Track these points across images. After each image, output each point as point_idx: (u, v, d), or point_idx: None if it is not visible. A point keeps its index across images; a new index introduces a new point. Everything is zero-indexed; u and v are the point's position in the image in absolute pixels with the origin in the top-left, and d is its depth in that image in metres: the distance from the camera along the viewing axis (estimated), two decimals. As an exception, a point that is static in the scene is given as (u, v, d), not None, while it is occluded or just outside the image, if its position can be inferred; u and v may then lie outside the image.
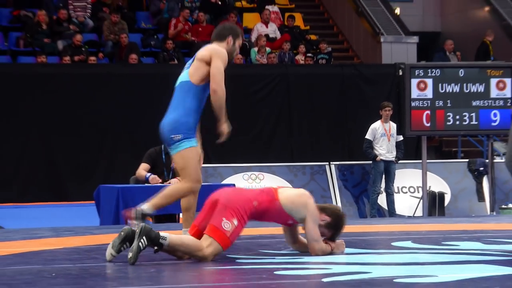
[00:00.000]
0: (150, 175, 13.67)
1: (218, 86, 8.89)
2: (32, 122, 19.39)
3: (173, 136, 8.93)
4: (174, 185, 9.24)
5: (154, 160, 13.89)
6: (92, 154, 19.31)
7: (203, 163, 17.08)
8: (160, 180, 13.74)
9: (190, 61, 9.06)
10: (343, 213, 8.48)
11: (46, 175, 19.54)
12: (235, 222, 7.90)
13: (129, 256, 7.69)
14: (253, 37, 22.96)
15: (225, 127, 9.35)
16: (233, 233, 7.91)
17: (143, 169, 13.75)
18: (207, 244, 7.84)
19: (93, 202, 13.93)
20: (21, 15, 22.15)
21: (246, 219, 7.99)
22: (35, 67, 20.72)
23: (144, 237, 7.62)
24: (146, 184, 13.69)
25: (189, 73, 9.01)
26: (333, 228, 8.28)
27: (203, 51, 8.88)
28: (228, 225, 7.89)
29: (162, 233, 7.76)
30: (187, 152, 8.87)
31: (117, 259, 7.89)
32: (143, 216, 8.64)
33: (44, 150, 19.53)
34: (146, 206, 8.68)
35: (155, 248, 7.73)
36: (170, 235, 7.83)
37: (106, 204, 13.48)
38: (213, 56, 8.80)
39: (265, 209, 8.08)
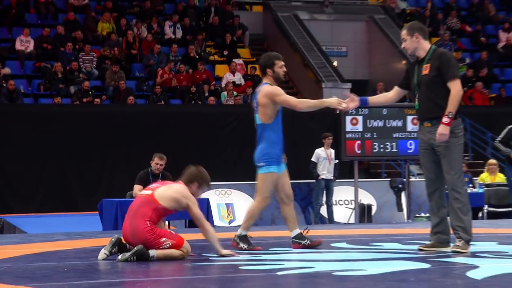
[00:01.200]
0: (145, 193, 13.68)
1: (298, 105, 8.70)
2: (49, 149, 19.38)
3: (257, 164, 8.79)
4: (251, 206, 8.98)
5: (144, 181, 13.87)
6: (97, 175, 19.29)
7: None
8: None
9: (255, 104, 8.82)
10: (197, 169, 8.32)
11: (60, 191, 19.51)
12: (158, 235, 7.90)
13: (118, 258, 7.83)
14: (223, 83, 22.98)
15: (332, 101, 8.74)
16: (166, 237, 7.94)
17: (137, 189, 13.71)
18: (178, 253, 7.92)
19: (97, 212, 13.89)
20: (42, 66, 22.13)
21: (156, 230, 7.95)
22: (52, 106, 20.75)
23: (135, 257, 7.73)
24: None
25: (260, 118, 8.75)
26: (202, 185, 8.24)
27: (260, 98, 8.68)
28: (163, 240, 7.91)
29: (151, 253, 7.80)
30: (264, 176, 8.75)
31: (111, 257, 7.87)
32: (242, 238, 8.71)
33: (59, 171, 19.50)
34: (240, 231, 8.77)
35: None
36: (156, 252, 7.83)
37: (107, 214, 13.46)
38: (273, 99, 8.62)
39: (156, 216, 8.00)
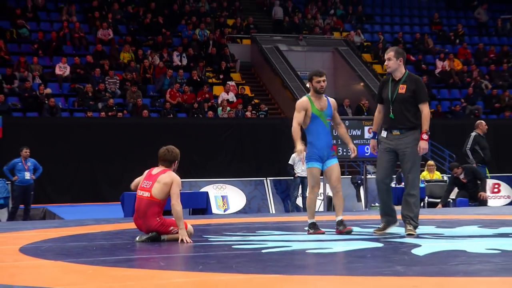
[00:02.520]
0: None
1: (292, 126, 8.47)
2: (82, 152, 19.37)
3: (306, 161, 8.58)
4: (308, 198, 8.63)
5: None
6: (119, 172, 19.23)
7: (190, 178, 17.21)
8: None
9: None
10: (168, 150, 8.07)
11: (90, 185, 19.49)
12: (168, 226, 7.90)
13: (136, 240, 7.84)
14: (219, 101, 22.94)
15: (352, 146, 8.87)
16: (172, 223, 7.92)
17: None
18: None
19: (120, 203, 13.86)
20: (76, 87, 22.08)
21: (165, 222, 7.93)
22: (84, 119, 20.70)
23: (149, 239, 7.82)
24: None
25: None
26: (178, 159, 8.08)
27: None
28: (171, 228, 7.91)
29: (162, 236, 7.85)
30: (308, 170, 8.54)
31: (130, 239, 7.84)
32: (312, 225, 8.45)
33: (89, 170, 19.48)
34: (308, 220, 8.49)
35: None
36: (167, 236, 7.87)
37: (128, 204, 13.40)
38: (296, 109, 8.48)
39: (161, 208, 7.96)
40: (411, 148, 8.17)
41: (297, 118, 8.41)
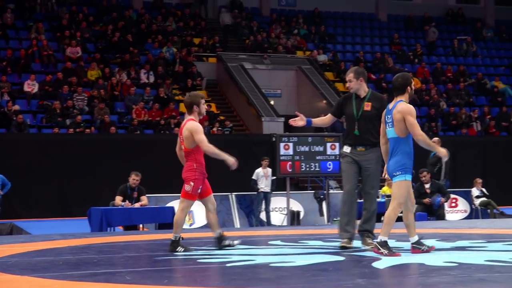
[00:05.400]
0: (125, 203, 13.67)
1: (417, 135, 7.45)
2: (50, 168, 19.21)
3: (393, 173, 7.50)
4: (388, 212, 7.54)
5: (123, 193, 13.82)
6: (86, 188, 19.09)
7: (156, 193, 17.10)
8: (130, 204, 13.68)
9: (391, 121, 7.60)
10: (188, 96, 8.50)
11: (58, 201, 19.32)
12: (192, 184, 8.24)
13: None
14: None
15: (440, 151, 7.57)
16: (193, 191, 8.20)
17: (119, 200, 13.71)
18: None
19: (87, 217, 13.73)
20: (44, 104, 21.92)
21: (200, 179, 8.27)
22: (52, 135, 20.53)
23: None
24: (119, 207, 13.63)
25: (395, 132, 7.53)
26: (198, 102, 8.44)
27: (396, 113, 7.53)
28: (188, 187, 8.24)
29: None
30: (400, 183, 7.45)
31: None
32: (382, 244, 7.44)
33: (57, 185, 19.28)
34: (380, 237, 7.49)
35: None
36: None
37: (95, 219, 13.32)
38: (404, 116, 7.48)
39: (196, 154, 8.36)
40: (374, 165, 8.25)
41: (415, 122, 7.59)
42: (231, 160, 8.22)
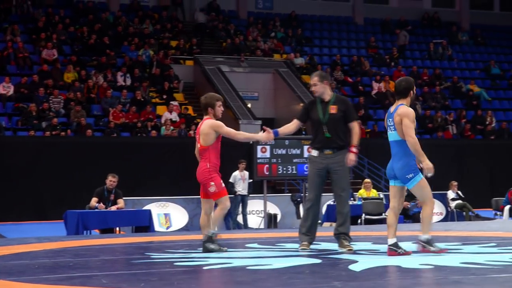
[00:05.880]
0: (98, 204, 13.58)
1: (409, 137, 7.49)
2: (25, 171, 19.13)
3: (407, 176, 7.54)
4: (424, 212, 7.67)
5: (100, 195, 13.75)
6: (63, 191, 19.03)
7: (133, 196, 17.03)
8: (104, 207, 13.61)
9: (392, 124, 7.63)
10: (205, 97, 8.47)
11: (34, 204, 19.22)
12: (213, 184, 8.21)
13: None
14: (163, 120, 22.82)
15: (425, 164, 7.51)
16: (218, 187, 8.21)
17: (94, 201, 13.63)
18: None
19: (63, 221, 13.66)
20: (20, 106, 21.78)
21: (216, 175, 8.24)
22: (27, 138, 20.43)
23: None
24: (95, 210, 13.55)
25: (398, 135, 7.59)
26: (214, 104, 8.34)
27: (397, 117, 7.55)
28: (212, 183, 8.21)
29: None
30: (420, 183, 7.52)
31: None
32: (429, 241, 7.53)
33: (33, 188, 19.18)
34: (424, 237, 7.60)
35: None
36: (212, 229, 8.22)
37: (71, 222, 13.26)
38: (402, 118, 7.50)
39: (211, 154, 8.28)
40: (343, 167, 8.34)
41: (411, 127, 7.61)
42: (262, 136, 8.35)
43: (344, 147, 8.37)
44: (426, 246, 7.62)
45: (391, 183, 7.77)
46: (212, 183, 8.12)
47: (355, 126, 8.40)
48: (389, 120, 7.72)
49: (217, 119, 8.36)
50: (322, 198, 8.63)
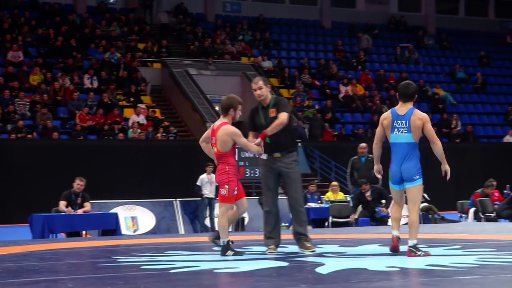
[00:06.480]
0: (67, 209, 13.52)
1: (437, 140, 7.72)
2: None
3: (413, 177, 7.66)
4: (412, 217, 7.69)
5: (67, 198, 13.65)
6: (28, 194, 18.87)
7: (100, 199, 16.92)
8: (73, 211, 13.53)
9: (406, 126, 7.68)
10: (227, 98, 8.31)
11: (-1, 207, 19.05)
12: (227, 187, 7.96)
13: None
14: (130, 123, 22.72)
15: (446, 167, 7.81)
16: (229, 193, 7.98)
17: (62, 205, 13.55)
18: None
19: (28, 224, 13.53)
20: (-16, 109, 21.63)
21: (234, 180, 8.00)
22: (-8, 140, 20.30)
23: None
24: (62, 213, 13.47)
25: (413, 137, 7.67)
26: (235, 106, 8.19)
27: (416, 120, 7.63)
28: (226, 186, 7.98)
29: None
30: (420, 187, 7.68)
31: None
32: (416, 247, 7.58)
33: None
34: (412, 241, 7.61)
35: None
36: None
37: (36, 226, 13.14)
38: (425, 123, 7.64)
39: (229, 157, 8.00)
40: (294, 169, 8.38)
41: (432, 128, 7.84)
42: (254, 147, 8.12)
43: (293, 149, 8.42)
44: (413, 250, 7.65)
45: (395, 187, 7.86)
46: (227, 186, 7.98)
47: (281, 116, 8.25)
48: (400, 122, 7.76)
49: (232, 123, 8.19)
50: (279, 200, 8.60)
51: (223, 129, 8.03)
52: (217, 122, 8.18)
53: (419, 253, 7.60)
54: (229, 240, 8.08)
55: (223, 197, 8.05)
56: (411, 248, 7.65)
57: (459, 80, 30.91)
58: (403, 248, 7.80)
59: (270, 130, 8.21)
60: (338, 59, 30.45)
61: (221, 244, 8.07)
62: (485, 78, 31.16)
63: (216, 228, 9.99)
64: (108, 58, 25.53)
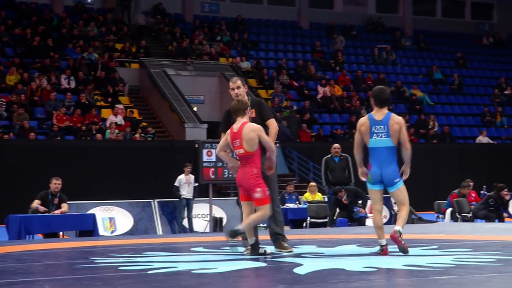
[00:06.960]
0: (40, 207, 13.48)
1: (408, 145, 7.86)
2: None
3: (394, 180, 7.81)
4: (401, 212, 7.92)
5: (43, 198, 13.61)
6: (4, 194, 18.74)
7: (77, 200, 16.83)
8: (45, 209, 13.49)
9: (385, 131, 7.83)
10: (238, 101, 8.12)
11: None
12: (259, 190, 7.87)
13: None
14: (108, 124, 22.63)
15: (408, 171, 7.88)
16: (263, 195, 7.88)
17: (35, 203, 13.53)
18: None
19: (5, 225, 13.45)
20: (-40, 109, 21.48)
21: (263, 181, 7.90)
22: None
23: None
24: (38, 214, 13.40)
25: (392, 141, 7.79)
26: (247, 105, 8.08)
27: (395, 125, 7.79)
28: (258, 189, 7.88)
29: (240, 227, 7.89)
30: (403, 187, 7.85)
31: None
32: (401, 234, 7.68)
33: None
34: (398, 227, 7.70)
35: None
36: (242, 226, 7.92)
37: (13, 227, 13.06)
38: (401, 127, 7.82)
39: (256, 159, 7.88)
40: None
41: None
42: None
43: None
44: (398, 233, 7.72)
45: (375, 187, 7.97)
46: (259, 189, 7.90)
47: (271, 124, 8.22)
48: (378, 127, 7.87)
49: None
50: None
51: (248, 127, 7.90)
52: (236, 125, 7.98)
53: (401, 239, 7.68)
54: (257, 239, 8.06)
55: (259, 200, 7.90)
56: (396, 231, 7.73)
57: (436, 81, 31.10)
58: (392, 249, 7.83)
59: (272, 140, 8.06)
60: (316, 60, 30.53)
61: (250, 243, 8.02)
62: (461, 79, 31.40)
63: (194, 229, 10.05)
64: (86, 58, 25.42)
